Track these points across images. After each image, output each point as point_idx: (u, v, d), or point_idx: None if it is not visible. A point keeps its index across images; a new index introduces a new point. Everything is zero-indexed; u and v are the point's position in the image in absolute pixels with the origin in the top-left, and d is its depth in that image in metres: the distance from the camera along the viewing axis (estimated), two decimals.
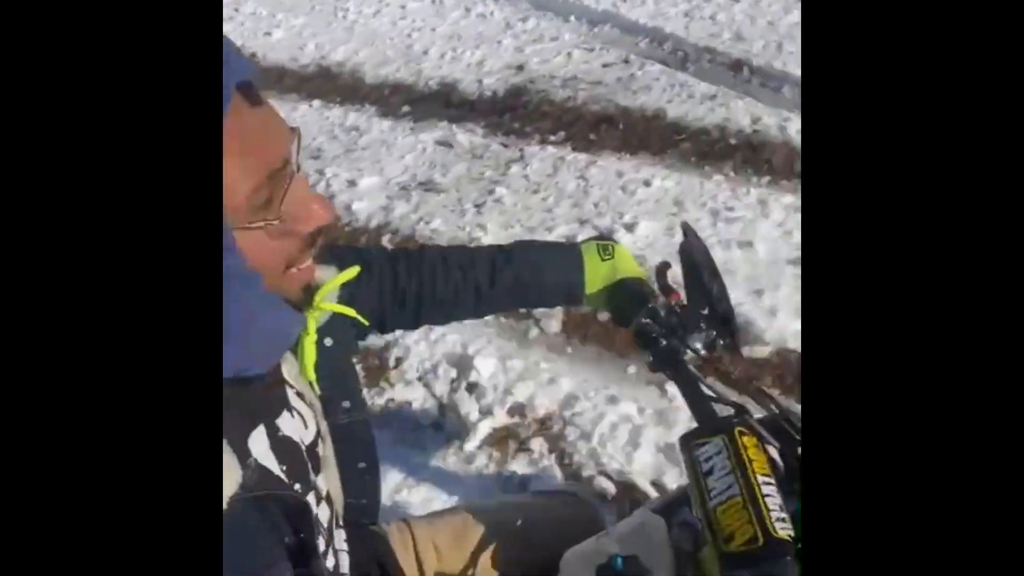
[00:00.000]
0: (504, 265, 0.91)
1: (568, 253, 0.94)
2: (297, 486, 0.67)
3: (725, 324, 0.88)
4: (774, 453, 0.71)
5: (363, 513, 0.85)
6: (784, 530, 0.61)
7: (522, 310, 2.15)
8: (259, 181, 0.51)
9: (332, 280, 0.72)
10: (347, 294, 0.77)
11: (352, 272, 0.74)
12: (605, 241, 0.95)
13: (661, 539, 0.75)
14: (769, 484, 0.66)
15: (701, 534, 0.84)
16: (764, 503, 0.63)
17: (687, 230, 0.94)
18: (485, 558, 0.90)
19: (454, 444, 1.91)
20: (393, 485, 1.80)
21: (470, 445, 1.89)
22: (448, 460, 1.88)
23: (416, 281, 0.89)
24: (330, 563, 0.75)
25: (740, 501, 0.64)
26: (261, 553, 0.57)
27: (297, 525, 0.61)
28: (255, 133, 0.52)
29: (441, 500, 1.77)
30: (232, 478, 0.53)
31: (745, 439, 0.70)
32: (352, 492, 0.82)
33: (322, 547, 0.71)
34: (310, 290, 0.66)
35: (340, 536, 0.81)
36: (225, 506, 0.51)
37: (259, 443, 0.63)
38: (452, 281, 0.90)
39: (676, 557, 0.73)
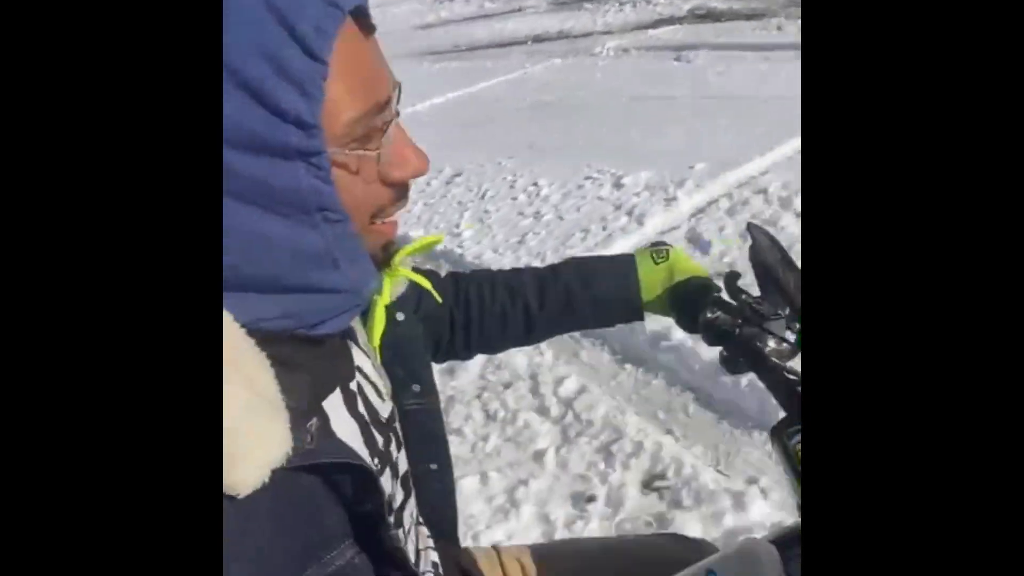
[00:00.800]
0: (553, 282, 0.85)
1: (619, 261, 0.87)
2: (376, 460, 0.59)
3: None
4: None
5: (440, 532, 0.76)
6: None
7: None
8: (363, 110, 0.48)
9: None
10: (416, 295, 0.73)
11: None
12: (659, 246, 0.88)
13: (773, 565, 0.65)
14: None
15: None
16: None
17: (754, 230, 0.87)
18: None
19: None
20: None
21: None
22: None
23: (463, 304, 0.84)
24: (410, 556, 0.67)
25: None
26: (320, 529, 0.50)
27: (363, 496, 0.52)
28: (364, 62, 0.48)
29: None
30: (279, 446, 0.45)
31: None
32: (425, 501, 0.73)
33: (402, 537, 0.63)
34: (388, 250, 0.59)
35: (424, 532, 0.73)
36: (267, 478, 0.44)
37: (337, 408, 0.56)
38: (499, 303, 0.84)
39: None
